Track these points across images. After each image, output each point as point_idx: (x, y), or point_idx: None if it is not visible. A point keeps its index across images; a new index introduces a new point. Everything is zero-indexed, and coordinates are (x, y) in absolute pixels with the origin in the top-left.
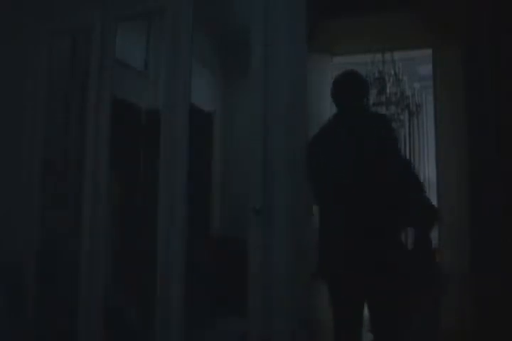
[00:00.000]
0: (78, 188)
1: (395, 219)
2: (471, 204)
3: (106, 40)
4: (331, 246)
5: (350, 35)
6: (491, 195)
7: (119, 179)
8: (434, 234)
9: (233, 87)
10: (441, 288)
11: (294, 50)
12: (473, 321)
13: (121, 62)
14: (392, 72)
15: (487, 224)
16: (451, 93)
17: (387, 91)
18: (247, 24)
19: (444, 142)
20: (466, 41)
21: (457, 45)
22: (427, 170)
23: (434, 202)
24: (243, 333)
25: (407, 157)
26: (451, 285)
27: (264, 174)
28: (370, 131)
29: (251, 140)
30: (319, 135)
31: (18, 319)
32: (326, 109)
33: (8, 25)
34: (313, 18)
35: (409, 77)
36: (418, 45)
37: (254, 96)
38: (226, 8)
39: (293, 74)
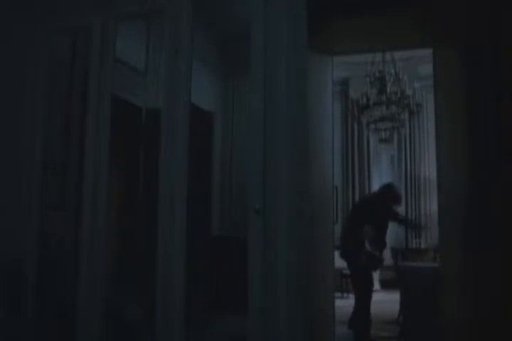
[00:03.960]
0: (78, 188)
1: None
2: (471, 204)
3: (106, 39)
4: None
5: (350, 35)
6: (491, 195)
7: (119, 179)
8: (434, 234)
9: (233, 87)
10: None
11: (294, 50)
12: (473, 321)
13: (121, 61)
14: (393, 72)
15: (487, 224)
16: (451, 93)
17: (388, 90)
18: (247, 24)
19: (444, 141)
20: (466, 41)
21: (457, 45)
22: (427, 170)
23: (435, 201)
24: (243, 333)
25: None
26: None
27: (264, 174)
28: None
29: (251, 140)
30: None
31: (18, 319)
32: (326, 108)
33: (8, 25)
34: (313, 18)
35: (410, 77)
36: (418, 44)
37: (254, 96)
38: (226, 8)
39: (293, 74)
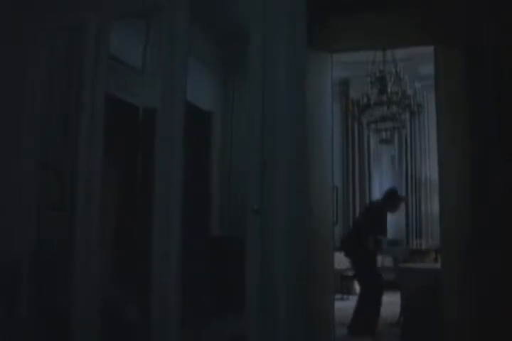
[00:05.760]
0: (75, 188)
1: None
2: (471, 204)
3: (103, 38)
4: None
5: (350, 35)
6: (491, 195)
7: (116, 178)
8: (435, 235)
9: (233, 87)
10: None
11: (294, 50)
12: (473, 321)
13: (118, 60)
14: (394, 72)
15: (487, 224)
16: (451, 93)
17: (389, 90)
18: (247, 24)
19: (444, 141)
20: (466, 41)
21: (457, 45)
22: (428, 170)
23: (436, 201)
24: (242, 333)
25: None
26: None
27: (263, 174)
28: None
29: (250, 140)
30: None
31: (18, 319)
32: (326, 108)
33: (8, 25)
34: (313, 17)
35: (410, 77)
36: (419, 44)
37: (254, 96)
38: (226, 7)
39: (292, 74)
